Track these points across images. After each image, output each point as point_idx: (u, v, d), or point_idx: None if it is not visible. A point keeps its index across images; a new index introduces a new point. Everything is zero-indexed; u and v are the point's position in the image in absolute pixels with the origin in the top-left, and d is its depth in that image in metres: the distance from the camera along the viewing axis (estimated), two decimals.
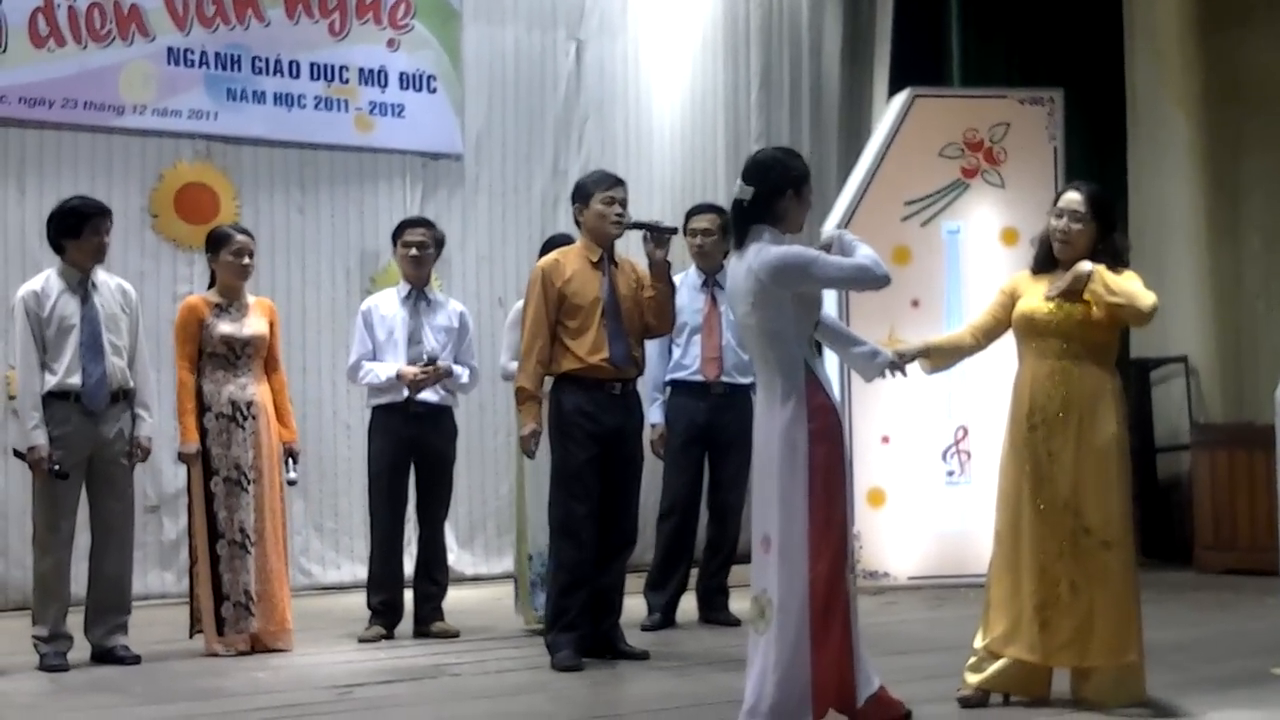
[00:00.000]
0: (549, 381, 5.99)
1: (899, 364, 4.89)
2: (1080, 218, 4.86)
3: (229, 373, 6.38)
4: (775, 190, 4.53)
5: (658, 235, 5.86)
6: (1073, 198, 4.89)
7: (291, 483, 6.57)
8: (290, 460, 6.55)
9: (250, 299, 6.57)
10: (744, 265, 4.49)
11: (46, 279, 6.17)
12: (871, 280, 4.51)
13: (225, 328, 6.38)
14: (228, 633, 6.24)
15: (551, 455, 5.92)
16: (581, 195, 6.02)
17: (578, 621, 5.80)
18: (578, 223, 6.08)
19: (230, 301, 6.47)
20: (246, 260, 6.49)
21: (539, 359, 5.87)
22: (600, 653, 5.87)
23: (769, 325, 4.45)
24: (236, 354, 6.39)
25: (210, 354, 6.38)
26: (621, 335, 5.90)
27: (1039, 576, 4.76)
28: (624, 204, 6.00)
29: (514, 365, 6.83)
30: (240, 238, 6.54)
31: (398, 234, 6.93)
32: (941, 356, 5.12)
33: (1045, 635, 4.74)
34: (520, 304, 7.00)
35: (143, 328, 6.40)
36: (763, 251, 4.44)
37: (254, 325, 6.46)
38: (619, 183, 6.05)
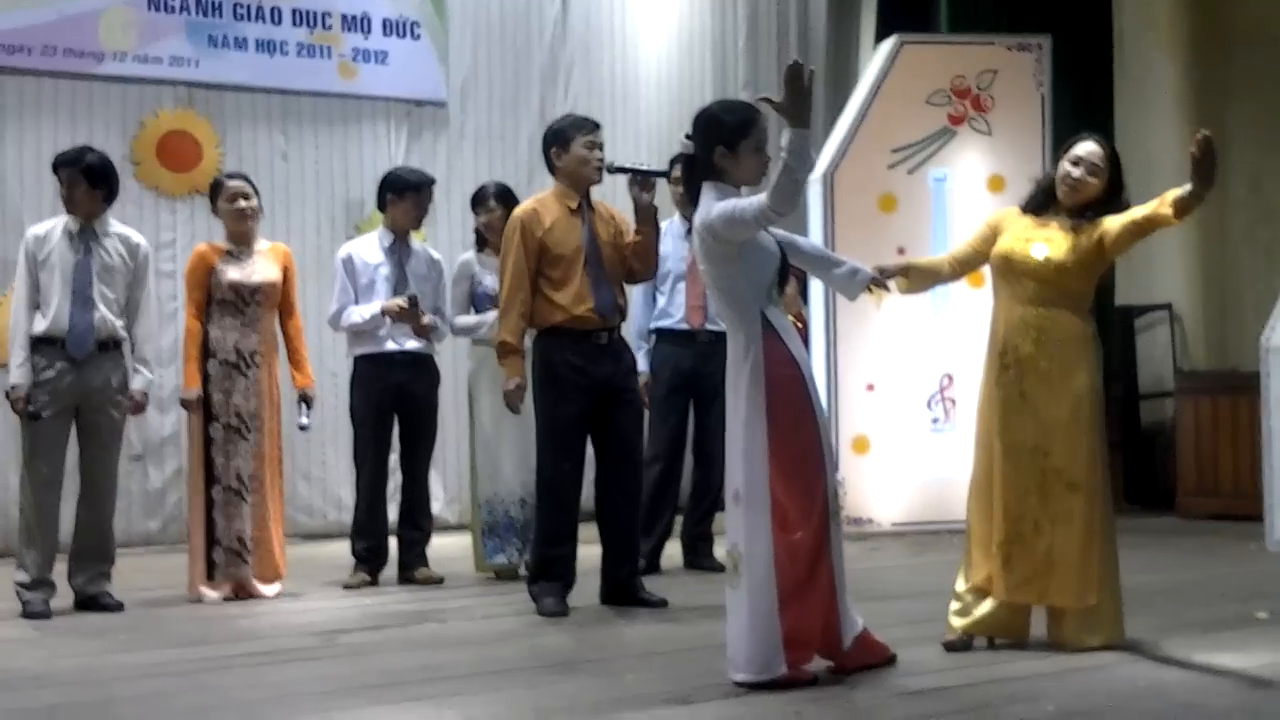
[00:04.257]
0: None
1: (880, 280, 4.86)
2: (1097, 171, 4.80)
3: (236, 319, 6.36)
4: (707, 148, 4.47)
5: (643, 179, 5.77)
6: (1093, 149, 4.81)
7: (304, 428, 6.58)
8: (305, 405, 6.55)
9: (264, 245, 6.53)
10: (696, 222, 4.46)
11: (54, 224, 6.17)
12: (788, 194, 4.16)
13: (233, 274, 6.36)
14: (218, 578, 6.26)
15: (537, 411, 5.85)
16: (560, 140, 5.86)
17: (562, 572, 5.79)
18: (552, 168, 5.92)
19: (241, 248, 6.43)
20: (242, 204, 6.44)
21: (521, 312, 5.75)
22: (620, 601, 5.87)
23: (723, 282, 4.43)
24: (245, 301, 6.37)
25: (219, 300, 6.36)
26: (605, 283, 5.81)
27: (1004, 514, 4.77)
28: (602, 147, 5.90)
29: (460, 320, 6.84)
30: (232, 183, 6.50)
31: (409, 189, 6.81)
32: (919, 278, 5.08)
33: (1006, 571, 4.76)
34: (464, 257, 7.01)
35: (149, 281, 6.35)
36: (706, 208, 4.40)
37: (264, 272, 6.42)
38: (597, 126, 5.94)
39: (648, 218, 5.84)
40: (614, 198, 6.61)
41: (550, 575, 5.77)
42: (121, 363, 6.17)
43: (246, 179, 6.58)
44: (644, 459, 7.04)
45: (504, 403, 5.90)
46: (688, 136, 4.56)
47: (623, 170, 5.82)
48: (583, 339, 5.76)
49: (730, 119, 4.51)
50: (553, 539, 5.78)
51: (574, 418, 5.75)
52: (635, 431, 5.96)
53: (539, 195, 6.06)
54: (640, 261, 5.92)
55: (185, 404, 6.37)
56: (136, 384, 6.20)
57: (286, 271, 6.52)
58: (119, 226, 6.27)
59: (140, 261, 6.26)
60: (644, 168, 5.84)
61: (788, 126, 4.14)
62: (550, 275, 5.77)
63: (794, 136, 4.13)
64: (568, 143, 5.84)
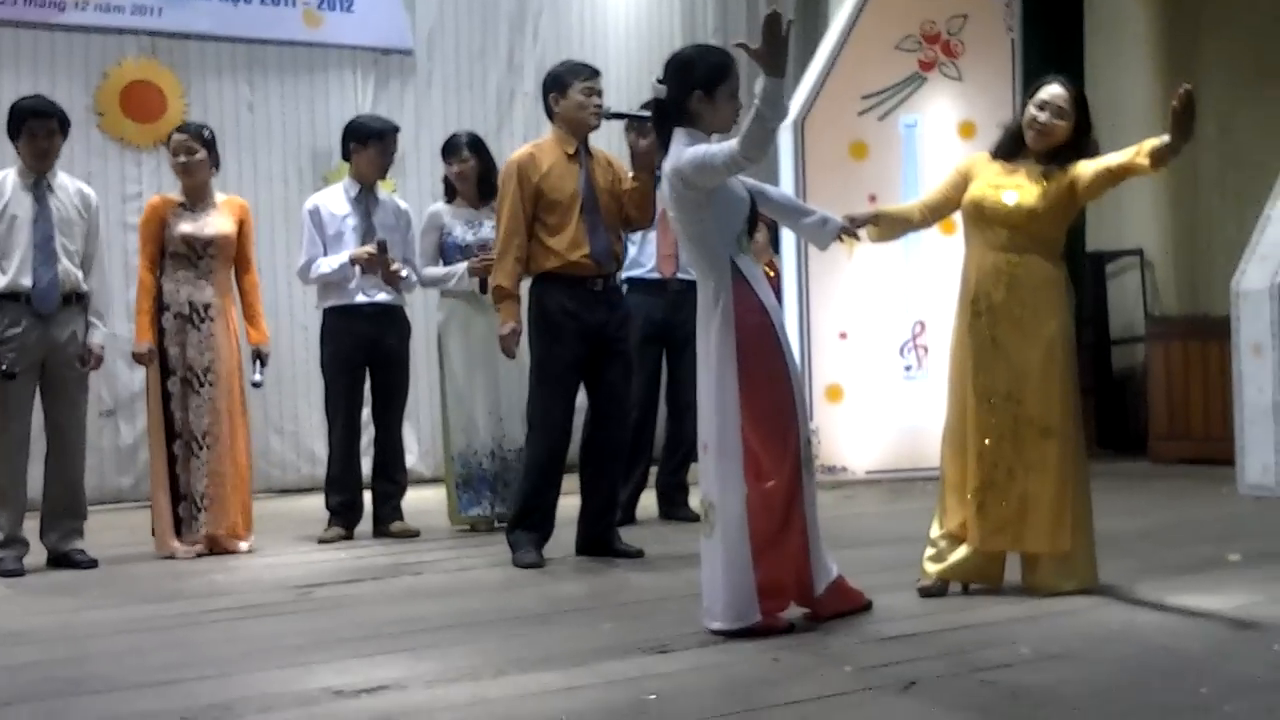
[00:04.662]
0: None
1: (851, 229, 4.85)
2: (1064, 114, 4.77)
3: (190, 272, 6.30)
4: (683, 90, 4.42)
5: (641, 125, 5.71)
6: (1058, 92, 4.78)
7: (256, 384, 6.51)
8: (258, 362, 6.49)
9: (220, 198, 6.45)
10: (666, 168, 4.43)
11: (4, 177, 6.06)
12: (759, 142, 4.14)
13: (185, 227, 6.29)
14: (185, 534, 6.22)
15: (531, 355, 5.83)
16: (558, 85, 5.81)
17: (541, 522, 5.79)
18: (550, 113, 5.87)
19: (195, 201, 6.35)
20: (183, 158, 6.35)
21: (517, 256, 5.72)
22: (596, 551, 5.87)
23: (692, 228, 4.41)
24: (198, 254, 6.30)
25: (172, 254, 6.30)
26: (601, 229, 5.76)
27: (978, 461, 4.78)
28: (601, 94, 5.86)
29: (429, 271, 6.80)
30: (175, 137, 6.43)
31: (372, 137, 6.74)
32: (890, 226, 5.06)
33: (980, 519, 4.77)
34: (433, 208, 6.96)
35: (102, 233, 6.28)
36: (676, 154, 4.37)
37: (217, 225, 6.35)
38: (596, 72, 5.89)
39: (645, 164, 5.79)
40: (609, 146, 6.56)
41: (529, 524, 5.77)
42: (84, 316, 6.10)
43: (197, 131, 6.45)
44: None
45: (499, 347, 5.88)
46: (660, 80, 4.51)
47: (620, 116, 5.80)
48: (578, 284, 5.74)
49: (709, 61, 4.48)
50: (537, 486, 5.77)
51: (568, 363, 5.73)
52: (624, 384, 5.93)
53: (537, 140, 6.04)
54: (638, 209, 5.87)
55: (137, 357, 6.32)
56: (95, 338, 6.14)
57: (242, 225, 6.44)
58: (65, 177, 6.19)
59: (94, 213, 6.20)
60: (642, 114, 5.77)
61: (763, 74, 4.11)
62: (546, 221, 5.73)
63: (769, 84, 4.10)
64: (565, 88, 5.79)
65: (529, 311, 5.81)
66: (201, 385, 6.27)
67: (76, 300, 6.08)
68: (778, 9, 4.20)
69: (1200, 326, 9.04)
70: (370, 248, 6.56)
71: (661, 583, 5.29)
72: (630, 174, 5.89)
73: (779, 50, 4.08)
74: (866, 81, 8.69)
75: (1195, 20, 9.82)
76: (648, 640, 4.25)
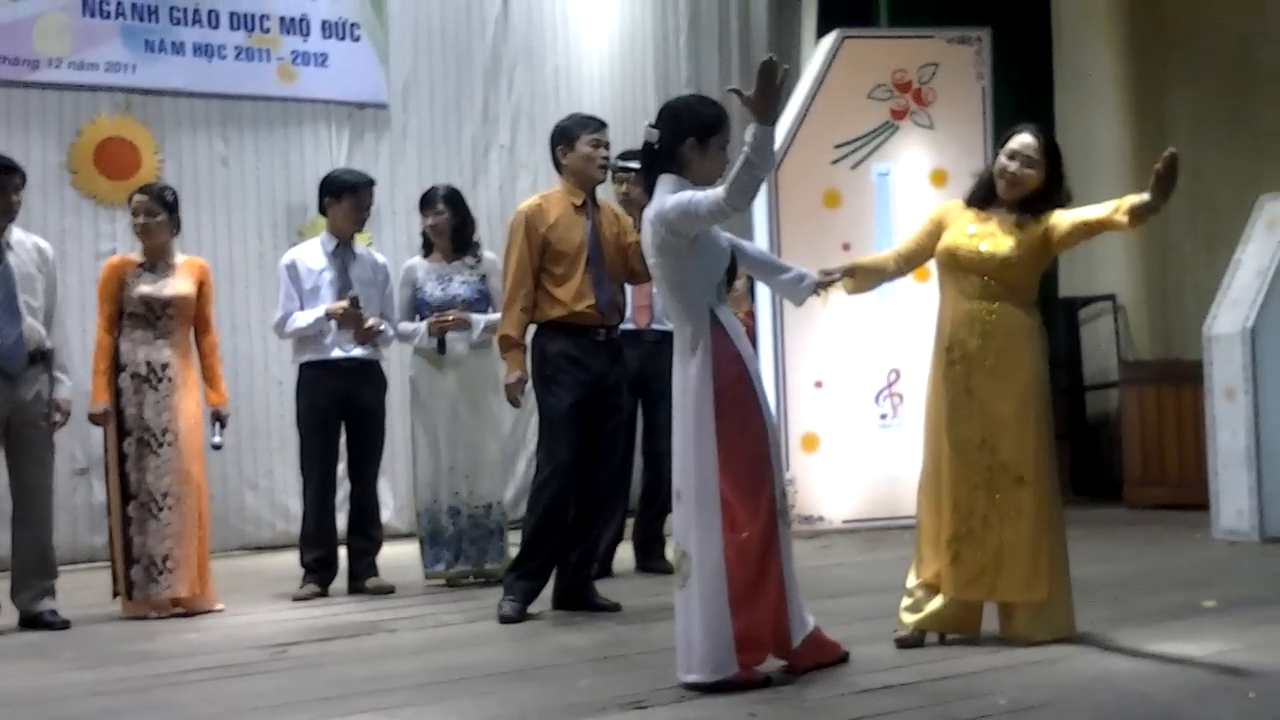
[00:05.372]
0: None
1: (825, 283, 4.87)
2: (1034, 163, 4.80)
3: (148, 333, 6.25)
4: (676, 137, 4.44)
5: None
6: (1029, 142, 4.81)
7: (216, 447, 6.45)
8: (218, 424, 6.44)
9: (180, 258, 6.42)
10: (650, 214, 4.44)
11: None
12: (746, 189, 4.16)
13: (144, 288, 6.25)
14: (136, 596, 6.13)
15: (537, 402, 5.85)
16: (565, 138, 5.85)
17: (536, 572, 5.76)
18: (558, 166, 5.89)
19: (155, 262, 6.33)
20: (143, 219, 6.30)
21: (524, 306, 5.75)
22: (573, 605, 5.85)
23: (673, 275, 4.41)
24: (156, 314, 6.26)
25: (130, 314, 6.25)
26: (605, 281, 5.80)
27: (953, 510, 4.79)
28: (608, 146, 5.90)
29: (401, 326, 6.80)
30: (136, 198, 6.37)
31: (347, 190, 6.75)
32: (865, 278, 5.07)
33: (955, 569, 4.78)
34: (409, 263, 6.96)
35: (60, 288, 6.26)
36: (660, 200, 4.39)
37: (176, 286, 6.31)
38: (603, 125, 5.92)
39: None
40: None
41: (524, 572, 5.75)
42: (48, 373, 6.06)
43: (159, 193, 6.39)
44: None
45: (505, 396, 5.88)
46: (652, 125, 4.52)
47: (627, 169, 5.84)
48: (580, 334, 5.76)
49: (706, 112, 4.51)
50: (540, 529, 5.73)
51: (570, 407, 5.72)
52: (615, 437, 5.95)
53: (544, 192, 6.07)
54: (642, 262, 5.88)
55: (93, 418, 6.26)
56: (61, 392, 6.10)
57: (202, 286, 6.39)
58: (20, 233, 6.14)
59: (52, 267, 6.17)
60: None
61: (754, 121, 4.13)
62: (553, 271, 5.76)
63: (759, 132, 4.11)
64: (573, 141, 5.83)
65: (532, 359, 5.83)
66: (160, 445, 6.19)
67: (41, 358, 6.03)
68: (772, 56, 4.21)
69: (1173, 371, 9.08)
70: (344, 302, 6.55)
71: (638, 637, 5.27)
72: (636, 227, 5.91)
73: (772, 97, 4.09)
74: (839, 130, 8.74)
75: (1164, 66, 9.92)
76: (624, 696, 4.23)
